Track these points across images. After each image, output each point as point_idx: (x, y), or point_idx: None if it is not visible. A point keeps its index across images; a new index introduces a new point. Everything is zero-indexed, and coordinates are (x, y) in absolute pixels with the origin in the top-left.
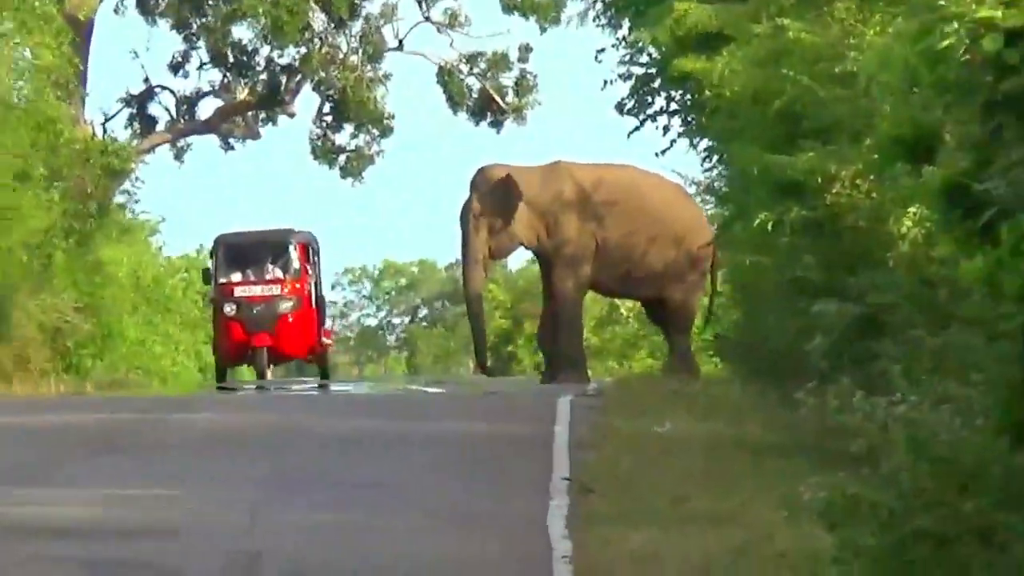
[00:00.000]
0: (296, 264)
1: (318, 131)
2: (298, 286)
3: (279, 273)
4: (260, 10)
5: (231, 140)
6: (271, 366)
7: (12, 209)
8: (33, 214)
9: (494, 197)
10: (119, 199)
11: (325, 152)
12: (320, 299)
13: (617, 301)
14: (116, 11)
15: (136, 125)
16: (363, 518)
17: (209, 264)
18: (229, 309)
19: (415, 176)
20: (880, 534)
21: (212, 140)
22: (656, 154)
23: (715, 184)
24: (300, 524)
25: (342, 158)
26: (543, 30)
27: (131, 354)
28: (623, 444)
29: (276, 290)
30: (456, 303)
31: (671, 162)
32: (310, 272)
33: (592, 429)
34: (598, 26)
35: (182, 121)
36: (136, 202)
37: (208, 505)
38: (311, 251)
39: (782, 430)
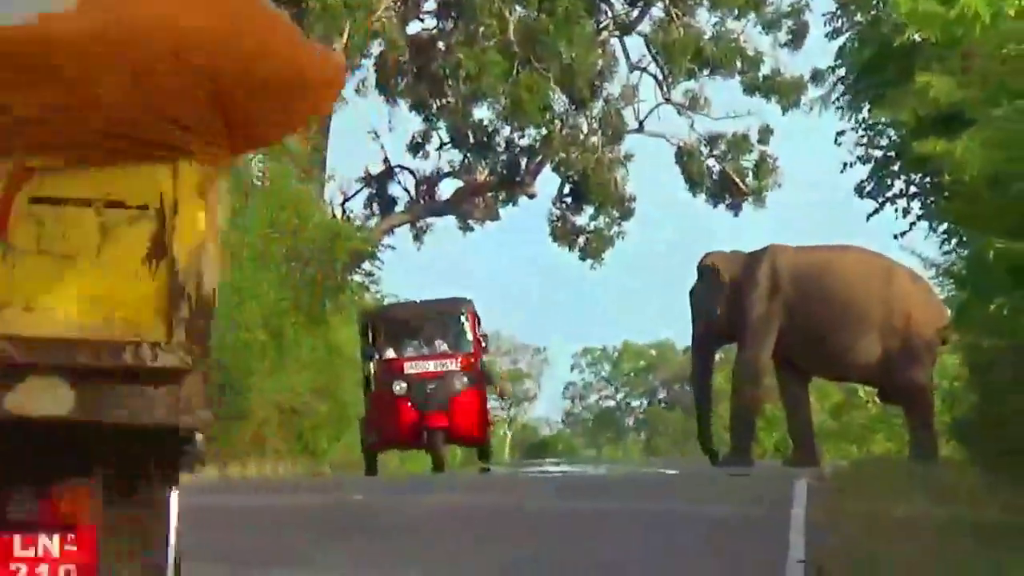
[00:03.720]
0: (468, 336)
1: (557, 212)
2: (471, 360)
3: (450, 347)
4: (500, 89)
5: (470, 221)
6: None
7: (251, 288)
8: (270, 292)
9: (703, 285)
10: (356, 278)
11: (565, 234)
12: (487, 374)
13: (857, 386)
14: (357, 91)
15: (375, 206)
16: None
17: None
18: (399, 388)
19: (653, 257)
20: None
21: (451, 221)
22: (895, 236)
23: (953, 267)
24: None
25: (581, 240)
26: (784, 111)
27: None
28: (858, 527)
29: (450, 365)
30: None
31: (911, 244)
32: (483, 344)
33: (827, 511)
34: (838, 109)
35: (422, 201)
36: (375, 283)
37: None
38: (478, 321)
39: (1022, 515)
